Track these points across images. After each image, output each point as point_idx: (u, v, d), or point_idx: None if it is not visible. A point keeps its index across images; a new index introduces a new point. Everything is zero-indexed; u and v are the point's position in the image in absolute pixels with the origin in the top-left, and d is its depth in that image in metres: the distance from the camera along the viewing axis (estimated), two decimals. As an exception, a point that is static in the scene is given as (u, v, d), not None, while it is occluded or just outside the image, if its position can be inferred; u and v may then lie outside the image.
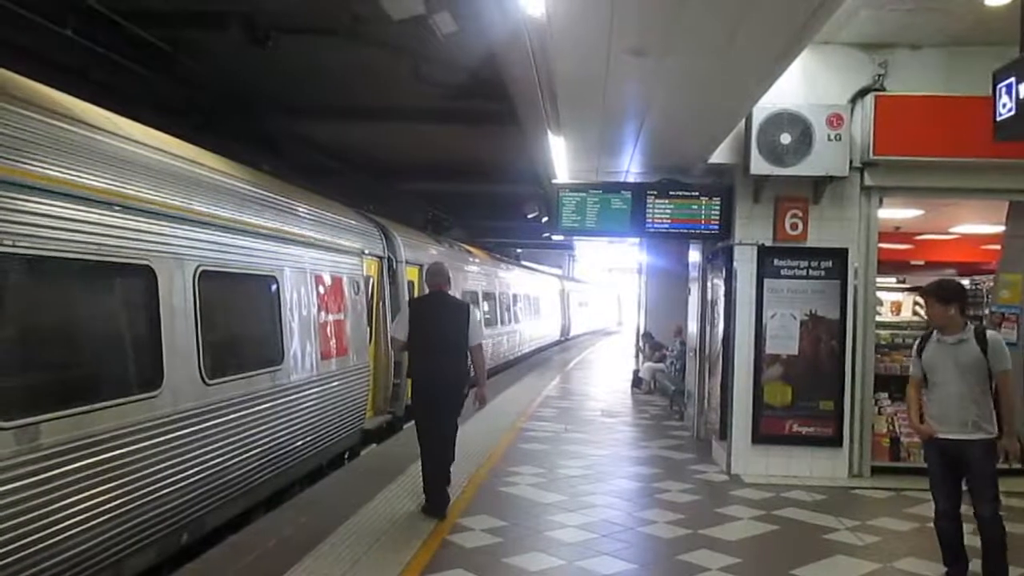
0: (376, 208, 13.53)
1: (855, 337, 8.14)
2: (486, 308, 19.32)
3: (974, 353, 5.07)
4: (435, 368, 6.57)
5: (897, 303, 12.92)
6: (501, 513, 6.64)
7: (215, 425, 6.02)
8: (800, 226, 8.12)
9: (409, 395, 9.54)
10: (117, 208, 4.99)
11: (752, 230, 8.24)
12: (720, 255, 8.96)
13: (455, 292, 15.78)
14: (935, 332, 5.29)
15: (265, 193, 7.53)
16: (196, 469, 5.73)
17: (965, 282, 12.49)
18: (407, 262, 12.17)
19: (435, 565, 5.36)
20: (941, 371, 5.17)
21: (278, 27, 8.88)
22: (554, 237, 25.32)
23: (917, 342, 5.46)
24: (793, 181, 7.90)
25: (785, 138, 7.62)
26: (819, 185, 8.01)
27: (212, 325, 6.10)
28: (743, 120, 7.66)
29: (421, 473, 6.69)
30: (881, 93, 7.80)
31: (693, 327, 11.15)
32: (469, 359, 6.82)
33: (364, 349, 9.87)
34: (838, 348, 8.07)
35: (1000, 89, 4.73)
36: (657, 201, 8.74)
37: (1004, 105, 4.72)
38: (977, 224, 12.24)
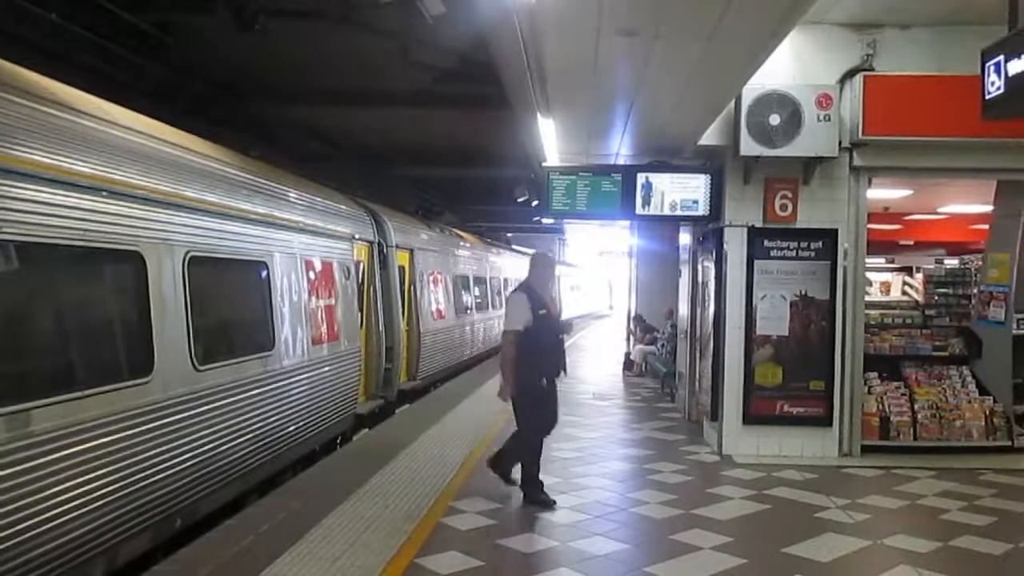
0: (366, 193, 13.49)
1: (845, 317, 8.17)
2: (477, 293, 19.30)
3: None
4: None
5: (886, 283, 13.02)
6: (495, 495, 6.67)
7: (206, 411, 6.02)
8: (790, 207, 8.12)
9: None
10: (105, 194, 4.97)
11: (742, 212, 8.24)
12: (710, 237, 8.97)
13: (446, 276, 16.00)
14: None
15: (255, 179, 7.50)
16: (188, 455, 5.73)
17: (954, 262, 12.65)
18: (397, 247, 12.18)
19: (429, 547, 5.38)
20: None
21: (266, 10, 8.80)
22: (544, 220, 25.29)
23: None
24: (783, 162, 7.90)
25: (774, 119, 7.60)
26: (808, 166, 8.01)
27: (202, 311, 6.08)
28: (732, 101, 7.64)
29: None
30: (870, 73, 7.79)
31: (684, 309, 11.18)
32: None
33: (355, 334, 9.86)
34: (828, 328, 8.10)
35: (988, 68, 4.73)
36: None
37: (992, 84, 4.72)
38: (965, 204, 12.30)
